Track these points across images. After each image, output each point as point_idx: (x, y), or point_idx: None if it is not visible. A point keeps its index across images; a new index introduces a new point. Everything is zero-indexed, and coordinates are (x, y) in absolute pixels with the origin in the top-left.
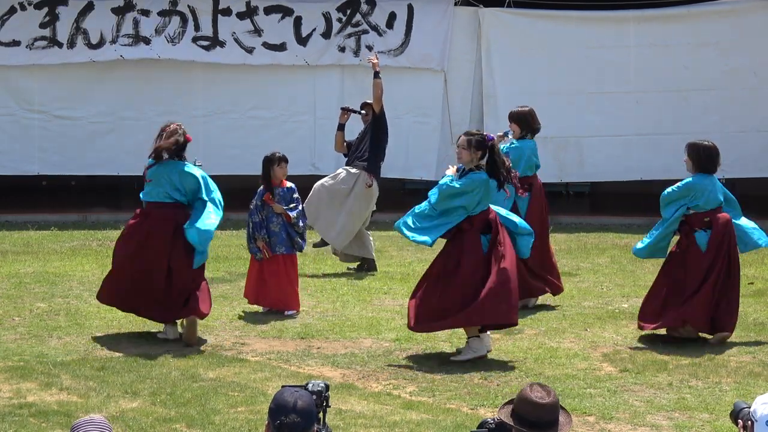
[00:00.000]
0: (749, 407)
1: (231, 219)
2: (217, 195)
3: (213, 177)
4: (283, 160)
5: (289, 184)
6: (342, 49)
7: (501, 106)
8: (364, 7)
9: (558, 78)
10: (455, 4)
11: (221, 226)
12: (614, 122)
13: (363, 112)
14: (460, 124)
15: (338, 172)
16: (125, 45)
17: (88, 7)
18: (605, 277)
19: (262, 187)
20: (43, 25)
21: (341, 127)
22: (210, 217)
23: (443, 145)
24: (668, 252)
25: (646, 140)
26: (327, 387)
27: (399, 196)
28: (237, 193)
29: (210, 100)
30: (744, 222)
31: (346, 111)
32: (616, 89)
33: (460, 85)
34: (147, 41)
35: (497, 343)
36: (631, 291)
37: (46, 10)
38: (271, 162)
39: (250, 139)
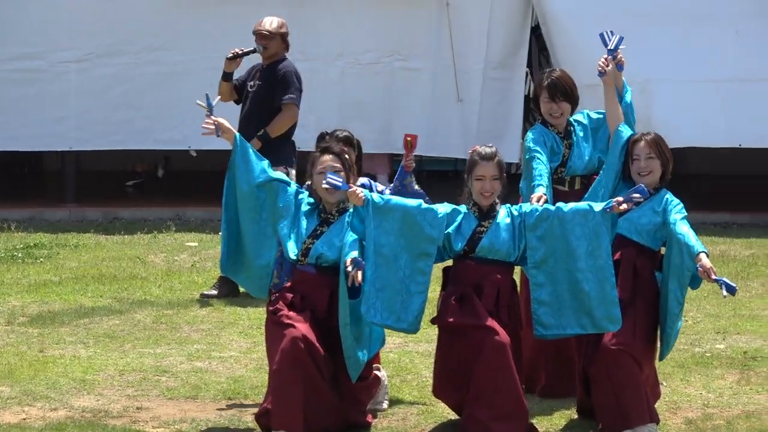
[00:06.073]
0: None
1: (121, 218)
2: None
3: (86, 154)
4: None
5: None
6: None
7: (557, 34)
8: None
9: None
10: None
11: (104, 230)
12: (696, 62)
13: (261, 46)
14: (468, 71)
15: None
16: None
17: None
18: (690, 302)
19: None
20: None
21: (227, 77)
22: None
23: (445, 102)
24: None
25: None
26: None
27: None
28: (129, 177)
29: (86, 37)
30: None
31: (236, 57)
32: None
33: (468, 19)
34: None
35: (532, 402)
36: (729, 324)
37: None
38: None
39: (148, 95)
